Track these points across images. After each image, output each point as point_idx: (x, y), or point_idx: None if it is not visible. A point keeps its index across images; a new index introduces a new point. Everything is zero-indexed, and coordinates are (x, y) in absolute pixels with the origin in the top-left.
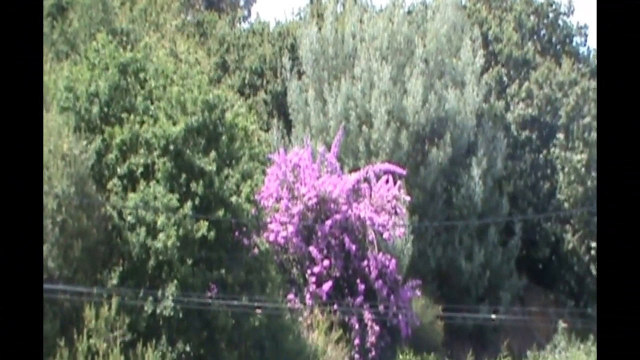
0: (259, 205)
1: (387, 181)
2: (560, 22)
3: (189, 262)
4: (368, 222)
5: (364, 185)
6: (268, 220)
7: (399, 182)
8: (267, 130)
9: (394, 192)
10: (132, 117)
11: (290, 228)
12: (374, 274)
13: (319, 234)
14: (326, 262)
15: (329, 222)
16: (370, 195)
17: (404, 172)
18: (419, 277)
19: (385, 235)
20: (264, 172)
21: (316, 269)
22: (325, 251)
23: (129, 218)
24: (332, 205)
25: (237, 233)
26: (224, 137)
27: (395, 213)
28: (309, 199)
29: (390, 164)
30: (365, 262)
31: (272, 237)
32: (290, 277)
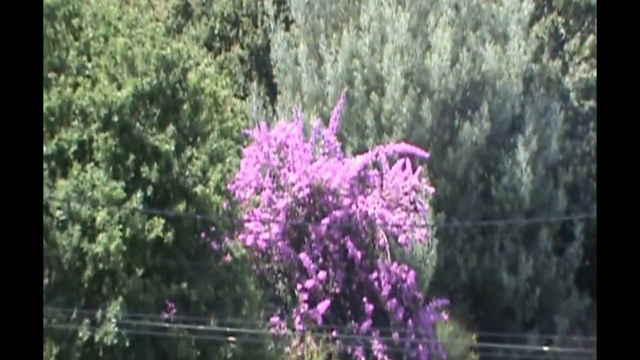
0: (233, 197)
1: (403, 167)
2: None
3: (139, 272)
4: (378, 221)
5: (373, 172)
6: (245, 217)
7: (419, 168)
8: (243, 98)
9: (412, 182)
10: (62, 77)
11: (275, 228)
12: (385, 291)
13: (313, 236)
14: (322, 274)
15: (325, 221)
16: (382, 186)
17: (426, 155)
18: (446, 295)
19: (401, 238)
20: (239, 154)
21: (309, 283)
22: (320, 260)
23: (58, 213)
24: (330, 199)
25: (203, 234)
26: (185, 106)
27: (415, 209)
28: (300, 189)
29: (408, 144)
30: (375, 275)
31: (250, 241)
32: (275, 293)
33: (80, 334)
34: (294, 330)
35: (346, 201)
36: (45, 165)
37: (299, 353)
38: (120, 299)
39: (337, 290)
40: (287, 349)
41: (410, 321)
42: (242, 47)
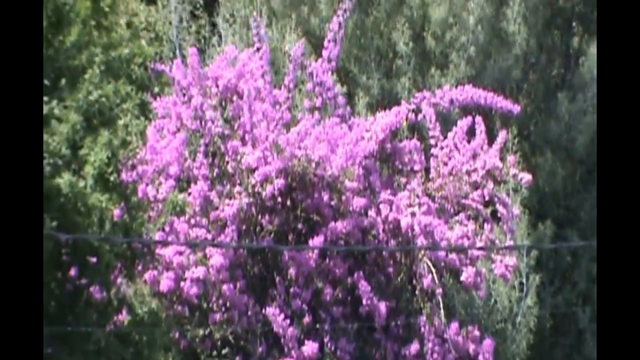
0: (133, 197)
1: (469, 133)
2: None
3: None
4: (421, 241)
5: (410, 144)
6: (157, 236)
7: (502, 136)
8: (153, 0)
9: (489, 162)
10: None
11: (217, 258)
12: None
13: (292, 272)
14: (310, 347)
15: (317, 242)
16: (427, 171)
17: (516, 110)
18: None
19: (467, 275)
20: (144, 111)
21: None
22: (307, 318)
23: None
24: (325, 198)
25: (73, 271)
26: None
27: (494, 217)
28: (266, 179)
29: (479, 88)
30: (414, 347)
31: (167, 283)
32: None
33: None
34: None
35: (357, 202)
36: None
37: None
38: None
39: None
40: None
41: None
42: None
